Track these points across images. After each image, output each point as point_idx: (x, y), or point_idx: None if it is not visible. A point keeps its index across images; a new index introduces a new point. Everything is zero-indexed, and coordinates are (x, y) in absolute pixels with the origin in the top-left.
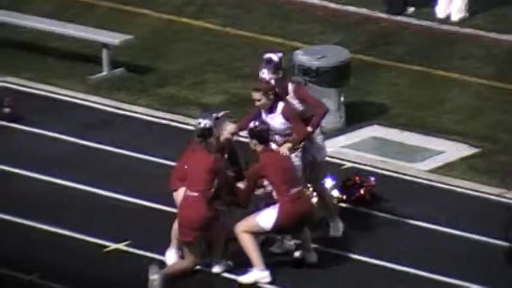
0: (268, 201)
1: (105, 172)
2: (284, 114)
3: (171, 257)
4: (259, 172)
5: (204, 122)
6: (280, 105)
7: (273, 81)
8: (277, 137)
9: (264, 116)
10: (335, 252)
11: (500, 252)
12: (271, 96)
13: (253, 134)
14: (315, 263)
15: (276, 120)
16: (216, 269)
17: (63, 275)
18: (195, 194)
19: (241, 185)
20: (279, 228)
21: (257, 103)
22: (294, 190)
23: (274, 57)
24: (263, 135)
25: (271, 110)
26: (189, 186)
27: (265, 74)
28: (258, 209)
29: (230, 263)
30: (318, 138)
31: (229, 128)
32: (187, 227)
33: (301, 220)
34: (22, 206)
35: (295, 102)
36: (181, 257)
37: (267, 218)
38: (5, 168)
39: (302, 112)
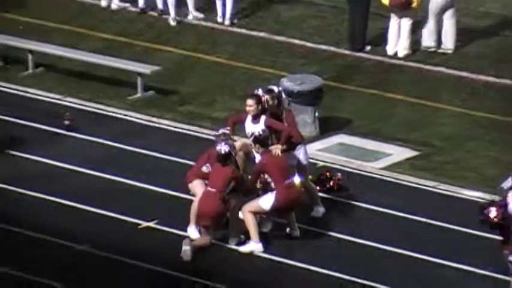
0: (266, 190)
1: (139, 169)
2: (266, 125)
3: (192, 232)
4: (262, 168)
5: (224, 149)
6: (263, 117)
7: (270, 102)
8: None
9: (250, 125)
10: (312, 229)
11: (432, 227)
12: (260, 107)
13: (257, 140)
14: (297, 237)
15: (258, 128)
16: (232, 242)
17: (108, 246)
18: (214, 190)
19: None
20: (275, 210)
21: (248, 108)
22: (288, 181)
23: (275, 88)
24: (265, 141)
25: (256, 119)
26: (210, 184)
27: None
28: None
29: (242, 236)
30: (301, 149)
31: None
32: (205, 215)
33: (292, 204)
34: (78, 195)
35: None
36: (199, 232)
37: (266, 201)
38: (65, 166)
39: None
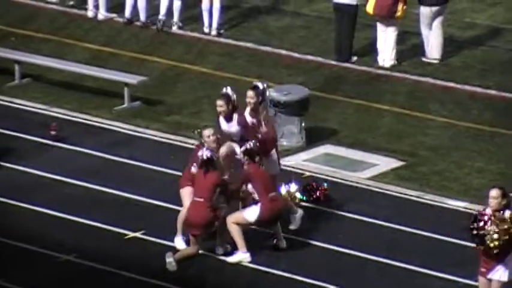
0: (251, 201)
1: (126, 179)
2: (239, 123)
3: (179, 242)
4: (247, 178)
5: (205, 154)
6: (235, 116)
7: (254, 99)
8: (234, 139)
9: (224, 124)
10: (298, 239)
11: (417, 237)
12: (230, 107)
13: (247, 153)
14: (284, 248)
15: (233, 128)
16: (219, 251)
17: (94, 256)
18: (201, 200)
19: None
20: (259, 222)
21: (218, 108)
22: (272, 194)
23: (261, 85)
24: (253, 154)
25: (229, 119)
26: (196, 193)
27: (249, 94)
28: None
29: (228, 246)
30: (274, 156)
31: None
32: (194, 225)
33: (276, 217)
34: (64, 205)
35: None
36: (187, 242)
37: (251, 213)
38: (52, 176)
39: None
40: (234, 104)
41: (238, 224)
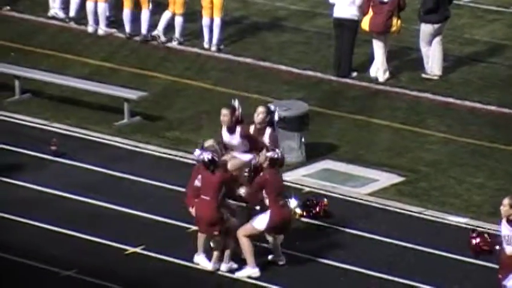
0: (261, 209)
1: (126, 195)
2: (242, 135)
3: (200, 260)
4: (263, 184)
5: (206, 156)
6: (238, 129)
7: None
8: (235, 152)
9: (226, 136)
10: (298, 254)
11: (418, 253)
12: (233, 119)
13: (271, 160)
14: (283, 264)
15: (234, 140)
16: (224, 268)
17: (94, 272)
18: (207, 198)
19: (243, 190)
20: (269, 229)
21: (222, 117)
22: (282, 201)
23: (272, 107)
24: (276, 162)
25: (231, 131)
26: (203, 192)
27: (259, 109)
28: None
29: (235, 265)
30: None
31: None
32: (201, 221)
33: (285, 223)
34: (64, 220)
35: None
36: (208, 259)
37: (261, 221)
38: (52, 191)
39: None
40: (238, 117)
41: (249, 236)
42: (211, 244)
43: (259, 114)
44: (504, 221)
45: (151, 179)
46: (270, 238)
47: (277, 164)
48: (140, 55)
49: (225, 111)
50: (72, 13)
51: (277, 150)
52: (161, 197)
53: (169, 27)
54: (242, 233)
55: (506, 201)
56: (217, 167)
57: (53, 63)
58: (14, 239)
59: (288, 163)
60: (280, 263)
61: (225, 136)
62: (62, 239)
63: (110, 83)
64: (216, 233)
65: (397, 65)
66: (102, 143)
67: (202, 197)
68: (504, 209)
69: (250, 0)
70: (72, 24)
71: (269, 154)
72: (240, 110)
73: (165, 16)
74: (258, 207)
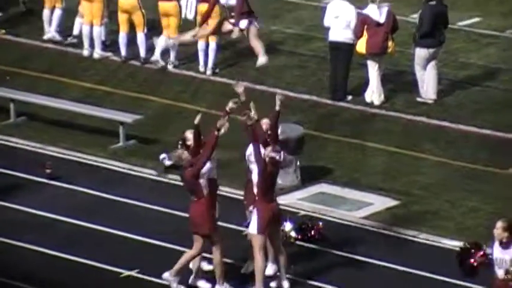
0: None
1: (121, 218)
2: None
3: (200, 283)
4: (262, 165)
5: (166, 162)
6: None
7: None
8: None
9: None
10: (293, 278)
11: (412, 276)
12: None
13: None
14: None
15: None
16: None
17: None
18: (193, 198)
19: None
20: (262, 227)
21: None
22: (270, 196)
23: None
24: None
25: None
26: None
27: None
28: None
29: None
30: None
31: None
32: (192, 222)
33: (274, 216)
34: (59, 243)
35: None
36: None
37: (253, 225)
38: (47, 215)
39: None
40: None
41: (260, 246)
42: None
43: (264, 124)
44: (496, 244)
45: (147, 202)
46: (271, 257)
47: (277, 167)
48: (136, 78)
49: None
50: (75, 31)
51: (281, 152)
52: (156, 220)
53: (165, 50)
54: (255, 248)
55: (499, 224)
56: (184, 166)
57: (49, 86)
58: (9, 262)
59: (283, 187)
60: (285, 286)
61: None
62: (56, 262)
63: (105, 106)
64: (207, 232)
65: (392, 88)
66: (98, 166)
67: (191, 199)
68: (497, 231)
69: None
70: (68, 48)
71: (272, 154)
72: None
73: (161, 40)
74: (251, 208)
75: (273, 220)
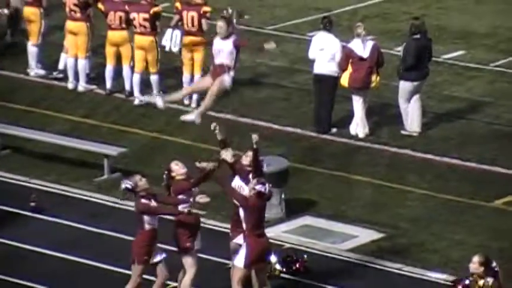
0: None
1: (106, 251)
2: (235, 44)
3: None
4: (243, 203)
5: (124, 185)
6: (233, 37)
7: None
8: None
9: (219, 43)
10: None
11: None
12: (229, 29)
13: (257, 193)
14: None
15: (227, 46)
16: None
17: None
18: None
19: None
20: (250, 262)
21: (218, 30)
22: (259, 231)
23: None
24: (263, 196)
25: (225, 38)
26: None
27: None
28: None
29: None
30: None
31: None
32: (132, 249)
33: (264, 254)
34: (43, 277)
35: None
36: None
37: (239, 258)
38: (31, 248)
39: None
40: (232, 26)
41: (241, 279)
42: None
43: (248, 156)
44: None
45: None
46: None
47: (263, 199)
48: (120, 111)
49: (221, 24)
50: (61, 66)
51: (266, 184)
52: None
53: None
54: (234, 279)
55: (475, 258)
56: (136, 196)
57: (34, 119)
58: None
59: (268, 219)
60: None
61: (217, 44)
62: None
63: (90, 139)
64: (139, 261)
65: (377, 121)
66: (82, 199)
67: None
68: (473, 266)
69: None
70: (53, 81)
71: (258, 187)
72: (233, 17)
73: (136, 77)
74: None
75: (261, 256)
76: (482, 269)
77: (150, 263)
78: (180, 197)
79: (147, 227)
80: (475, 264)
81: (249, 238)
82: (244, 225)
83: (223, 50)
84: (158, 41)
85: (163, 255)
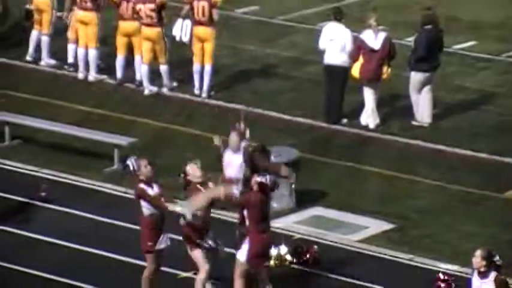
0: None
1: (116, 241)
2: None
3: None
4: (244, 203)
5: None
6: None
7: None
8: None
9: (230, 156)
10: None
11: None
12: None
13: (260, 185)
14: None
15: (237, 160)
16: None
17: None
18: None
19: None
20: (252, 257)
21: (231, 143)
22: (263, 227)
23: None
24: (265, 188)
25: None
26: None
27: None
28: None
29: None
30: None
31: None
32: None
33: (266, 250)
34: (53, 267)
35: None
36: None
37: (241, 253)
38: (41, 238)
39: None
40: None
41: (242, 274)
42: None
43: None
44: (475, 273)
45: None
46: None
47: (266, 190)
48: (131, 101)
49: (234, 138)
50: (70, 59)
51: (267, 175)
52: None
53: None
54: (236, 273)
55: (478, 252)
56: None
57: (44, 109)
58: (2, 286)
59: (279, 210)
60: None
61: (228, 157)
62: (50, 285)
63: (100, 129)
64: (143, 250)
65: (388, 112)
66: (92, 189)
67: None
68: (476, 260)
69: (240, 47)
70: (63, 71)
71: (258, 179)
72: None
73: (145, 68)
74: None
75: (264, 252)
76: (484, 262)
77: (156, 250)
78: None
79: (145, 212)
80: (477, 258)
81: (251, 234)
82: (247, 222)
83: (232, 163)
84: (166, 31)
85: (169, 243)
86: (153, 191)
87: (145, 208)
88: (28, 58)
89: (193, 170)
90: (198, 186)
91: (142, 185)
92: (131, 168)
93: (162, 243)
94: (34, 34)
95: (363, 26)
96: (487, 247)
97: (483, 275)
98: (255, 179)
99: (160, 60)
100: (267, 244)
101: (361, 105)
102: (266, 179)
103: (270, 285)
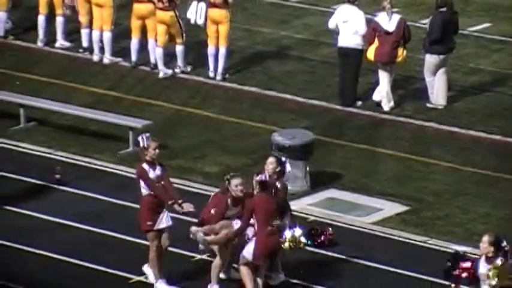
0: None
1: (130, 223)
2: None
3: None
4: (251, 208)
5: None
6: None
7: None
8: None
9: None
10: (302, 283)
11: (422, 282)
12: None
13: (261, 184)
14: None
15: None
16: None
17: None
18: None
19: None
20: (257, 257)
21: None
22: (271, 228)
23: (283, 158)
24: (266, 186)
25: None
26: None
27: (269, 159)
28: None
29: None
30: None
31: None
32: None
33: (272, 252)
34: (68, 249)
35: None
36: None
37: (248, 249)
38: (56, 220)
39: None
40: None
41: (245, 264)
42: None
43: (269, 164)
44: (483, 259)
45: None
46: None
47: (268, 187)
48: (145, 84)
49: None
50: (85, 43)
51: (265, 172)
52: None
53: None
54: (240, 261)
55: (485, 238)
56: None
57: (58, 91)
58: (17, 268)
59: (293, 192)
60: (272, 282)
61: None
62: (66, 267)
63: (115, 111)
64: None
65: (402, 94)
66: (107, 172)
67: None
68: (483, 246)
69: (255, 29)
70: (78, 53)
71: (257, 178)
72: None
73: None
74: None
75: (269, 253)
76: (492, 248)
77: (155, 229)
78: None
79: (144, 192)
80: (484, 244)
81: (259, 234)
82: (255, 223)
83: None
84: (181, 14)
85: (170, 223)
86: (154, 173)
87: (143, 189)
88: (39, 44)
89: (236, 189)
90: (228, 201)
91: (145, 165)
92: (141, 144)
93: (163, 222)
94: (41, 19)
95: (376, 9)
96: (494, 232)
97: (490, 260)
98: (255, 179)
99: (178, 40)
100: (273, 247)
101: (375, 88)
102: (264, 175)
103: (281, 273)
